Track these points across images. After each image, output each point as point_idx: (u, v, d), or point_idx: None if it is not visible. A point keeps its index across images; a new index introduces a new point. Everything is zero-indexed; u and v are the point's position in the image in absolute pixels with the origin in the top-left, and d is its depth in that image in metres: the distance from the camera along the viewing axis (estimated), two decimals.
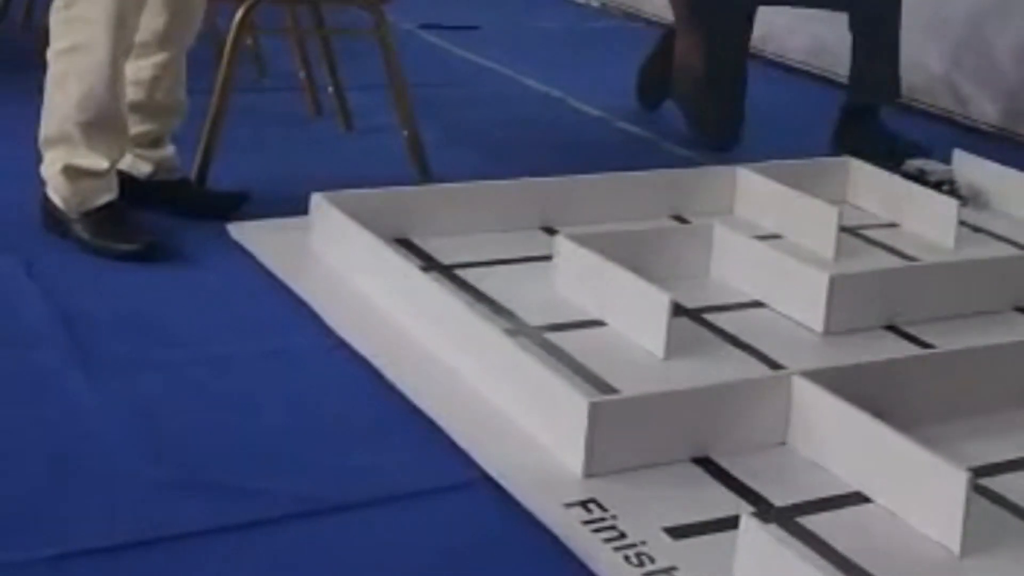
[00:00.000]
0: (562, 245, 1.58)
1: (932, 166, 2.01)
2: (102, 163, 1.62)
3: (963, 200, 1.91)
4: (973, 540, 1.11)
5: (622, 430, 1.20)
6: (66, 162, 1.62)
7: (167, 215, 1.73)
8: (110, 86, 1.59)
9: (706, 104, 2.23)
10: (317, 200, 1.67)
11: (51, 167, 1.63)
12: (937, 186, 1.94)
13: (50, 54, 1.61)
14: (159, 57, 1.71)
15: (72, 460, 1.19)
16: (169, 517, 1.11)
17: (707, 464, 1.23)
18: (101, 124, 1.61)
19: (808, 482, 1.21)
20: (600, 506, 1.14)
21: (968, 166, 2.04)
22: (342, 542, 1.10)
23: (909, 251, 1.78)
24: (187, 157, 1.80)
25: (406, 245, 1.68)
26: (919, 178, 1.96)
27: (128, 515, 1.11)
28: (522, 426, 1.26)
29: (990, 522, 1.15)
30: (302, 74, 2.26)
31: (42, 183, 1.65)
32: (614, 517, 1.12)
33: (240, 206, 1.77)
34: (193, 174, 1.82)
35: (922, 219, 1.87)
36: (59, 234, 1.64)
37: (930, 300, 1.59)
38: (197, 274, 1.60)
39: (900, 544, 1.12)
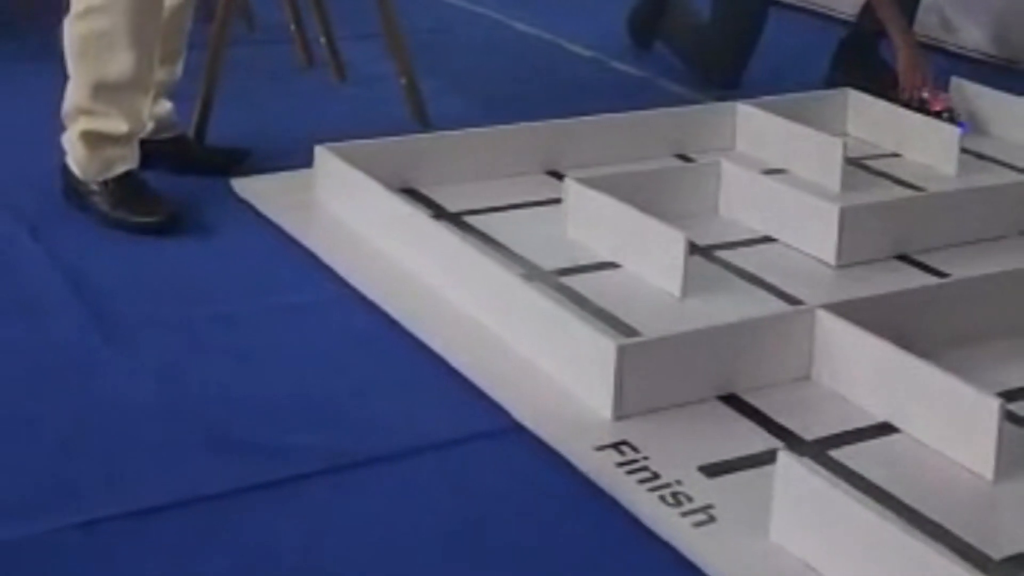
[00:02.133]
0: (571, 188, 1.57)
1: (929, 95, 2.01)
2: (121, 126, 1.58)
3: (964, 126, 1.92)
4: (1005, 465, 1.12)
5: (649, 371, 1.20)
6: (85, 127, 1.58)
7: (168, 172, 1.71)
8: (130, 46, 1.55)
9: (715, 49, 2.20)
10: (321, 152, 1.65)
11: (71, 134, 1.60)
12: (938, 115, 1.94)
13: (68, 19, 1.58)
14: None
15: (97, 425, 1.18)
16: (201, 478, 1.11)
17: (734, 401, 1.23)
18: (121, 87, 1.56)
19: (836, 415, 1.21)
20: (632, 448, 1.14)
21: (966, 93, 2.04)
22: (377, 494, 1.10)
23: (913, 180, 1.78)
24: (183, 114, 1.78)
25: (412, 194, 1.67)
26: (920, 108, 1.95)
27: (159, 478, 1.11)
28: (548, 372, 1.25)
29: (1019, 446, 1.15)
30: (292, 26, 2.24)
31: (63, 153, 1.62)
32: (646, 458, 1.13)
33: (242, 161, 1.76)
34: (192, 131, 1.80)
35: (924, 148, 1.87)
36: (78, 207, 1.61)
37: (939, 228, 1.59)
38: (205, 232, 1.59)
39: (932, 473, 1.13)
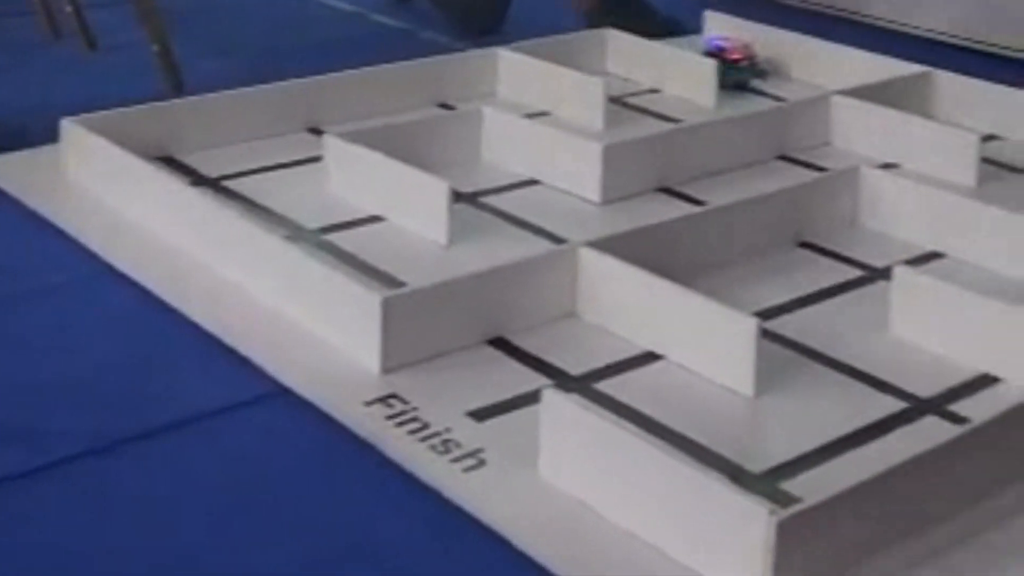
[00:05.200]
0: (330, 144, 1.55)
1: (730, 43, 1.95)
2: None
3: (764, 73, 1.91)
4: (765, 381, 1.15)
5: (415, 322, 1.19)
6: None
7: None
8: None
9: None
10: (67, 125, 1.58)
11: None
12: (736, 62, 1.90)
13: None
14: None
15: None
16: None
17: (502, 344, 1.23)
18: None
19: (602, 348, 1.23)
20: (401, 400, 1.13)
21: (721, 26, 2.08)
22: (145, 471, 1.07)
23: (673, 114, 1.81)
24: None
25: (169, 163, 1.61)
26: (718, 55, 1.91)
27: None
28: (313, 332, 1.23)
29: (776, 361, 1.19)
30: None
31: None
32: (416, 409, 1.12)
33: None
34: None
35: (683, 82, 1.90)
36: None
37: (698, 159, 1.62)
38: None
39: (696, 396, 1.16)
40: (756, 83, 1.89)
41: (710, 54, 1.90)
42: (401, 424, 1.10)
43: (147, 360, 1.23)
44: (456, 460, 1.05)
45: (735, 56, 1.90)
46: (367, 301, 1.18)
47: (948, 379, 1.18)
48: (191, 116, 1.67)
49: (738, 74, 1.89)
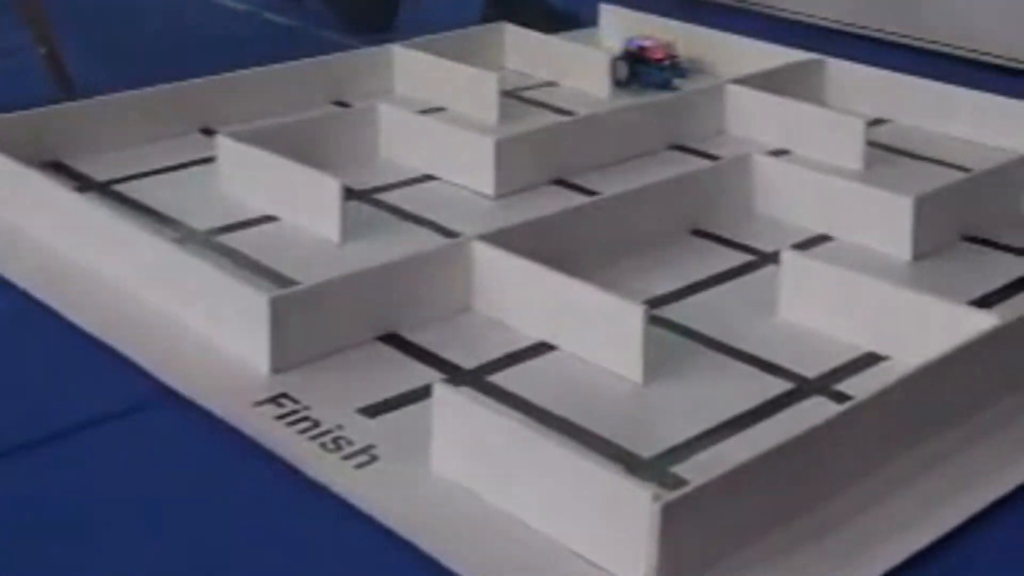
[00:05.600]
0: (222, 144, 1.53)
1: (651, 42, 1.91)
2: None
3: (686, 72, 1.89)
4: (654, 367, 1.16)
5: (306, 321, 1.19)
6: None
7: None
8: None
9: None
10: None
11: None
12: (659, 63, 1.88)
13: None
14: None
15: None
16: None
17: (396, 341, 1.23)
18: None
19: (496, 341, 1.23)
20: (292, 399, 1.12)
21: (617, 19, 2.10)
22: (32, 482, 1.05)
23: (568, 107, 1.82)
24: None
25: (57, 168, 1.59)
26: (639, 56, 1.89)
27: None
28: (205, 335, 1.22)
29: (667, 348, 1.20)
30: None
31: None
32: (307, 408, 1.11)
33: None
34: None
35: (579, 75, 1.91)
36: None
37: (592, 150, 1.63)
38: None
39: (587, 384, 1.16)
40: (678, 82, 1.88)
41: (631, 55, 1.89)
42: (291, 424, 1.09)
43: (34, 369, 1.21)
44: (347, 457, 1.05)
45: (657, 56, 1.88)
46: (255, 301, 1.17)
47: (835, 359, 1.20)
48: (79, 120, 1.64)
49: (661, 74, 1.88)
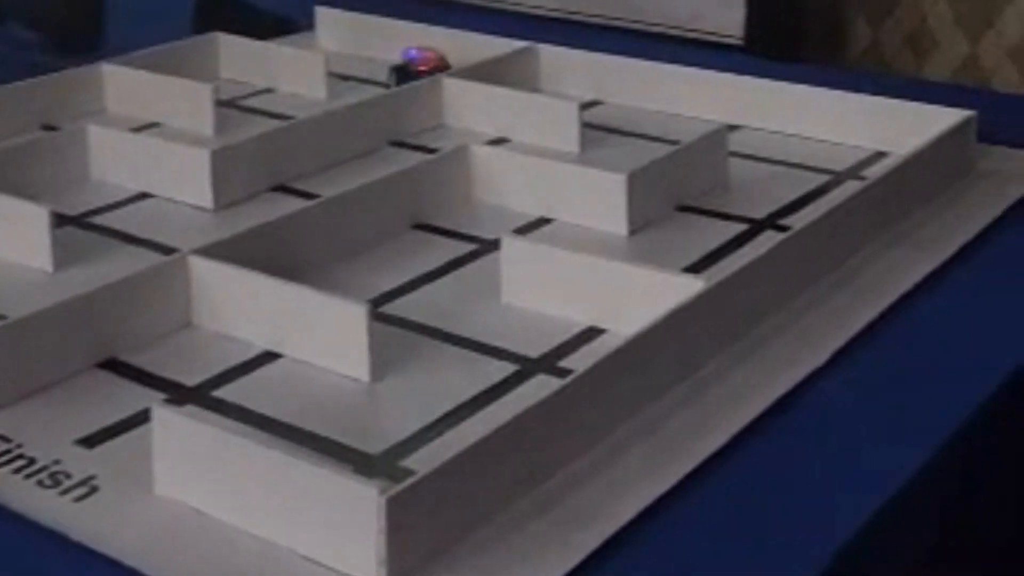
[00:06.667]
0: None
1: (422, 54, 1.87)
2: None
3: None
4: (381, 364, 1.16)
5: (14, 355, 1.14)
6: None
7: None
8: None
9: (62, 12, 2.11)
10: None
11: None
12: (421, 74, 1.82)
13: None
14: None
15: None
16: None
17: (115, 365, 1.19)
18: None
19: (219, 355, 1.21)
20: (4, 439, 1.08)
21: (332, 21, 2.09)
22: None
23: (285, 112, 1.80)
24: None
25: None
26: (408, 67, 1.85)
27: None
28: None
29: (393, 344, 1.20)
30: None
31: None
32: (20, 446, 1.07)
33: None
34: None
35: (294, 79, 1.90)
36: None
37: (311, 153, 1.62)
38: None
39: (315, 389, 1.15)
40: None
41: (400, 67, 1.87)
42: (5, 464, 1.05)
43: None
44: (66, 492, 1.01)
45: (422, 68, 1.85)
46: None
47: (557, 337, 1.22)
48: None
49: None
